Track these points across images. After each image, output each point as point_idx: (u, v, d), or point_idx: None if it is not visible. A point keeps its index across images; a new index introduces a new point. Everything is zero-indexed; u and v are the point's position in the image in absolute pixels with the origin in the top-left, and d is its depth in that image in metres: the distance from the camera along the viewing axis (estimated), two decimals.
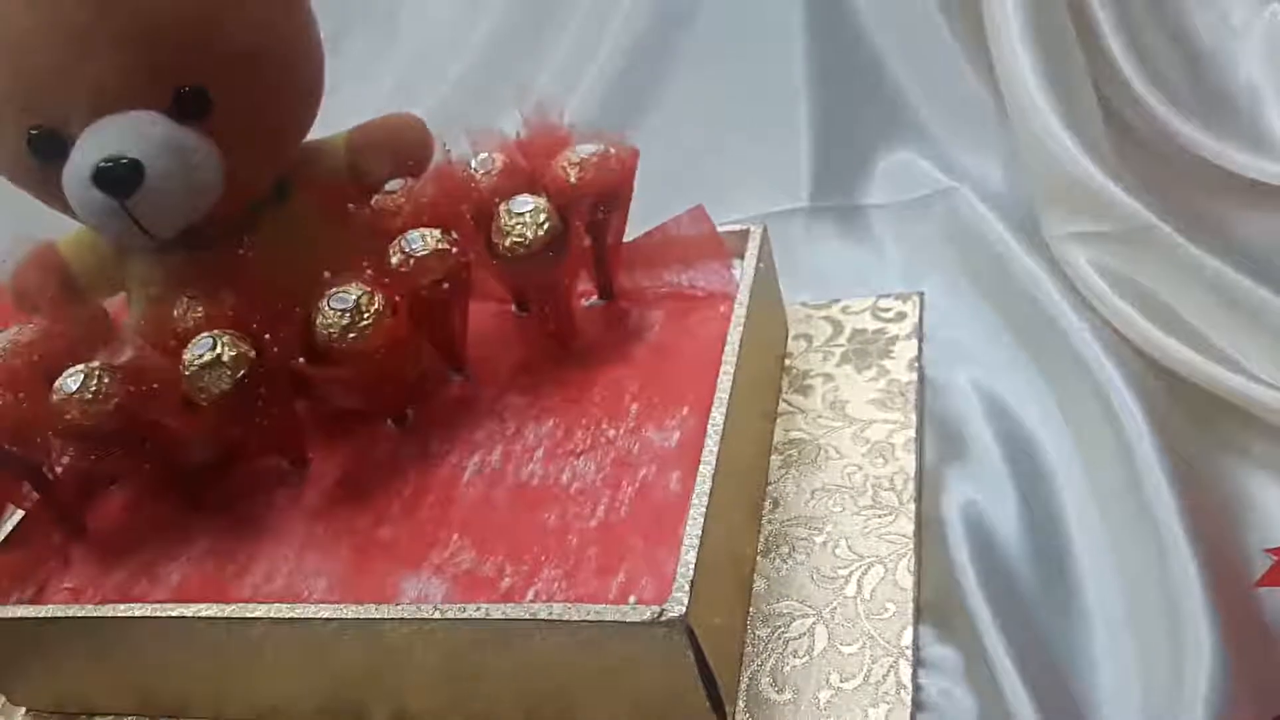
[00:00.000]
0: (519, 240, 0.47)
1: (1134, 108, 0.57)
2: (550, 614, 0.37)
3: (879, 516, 0.46)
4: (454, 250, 0.48)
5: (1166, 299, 0.50)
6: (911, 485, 0.46)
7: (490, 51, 0.76)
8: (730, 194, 0.54)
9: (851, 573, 0.44)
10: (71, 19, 0.42)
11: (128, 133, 0.43)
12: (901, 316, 0.56)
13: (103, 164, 0.43)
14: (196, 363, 0.43)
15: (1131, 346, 0.49)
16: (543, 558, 0.42)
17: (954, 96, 0.69)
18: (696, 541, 0.37)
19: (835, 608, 0.43)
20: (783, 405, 0.53)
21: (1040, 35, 0.56)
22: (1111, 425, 0.46)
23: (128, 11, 0.43)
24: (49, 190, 0.46)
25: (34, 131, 0.45)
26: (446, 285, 0.47)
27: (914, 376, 0.52)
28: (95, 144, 0.43)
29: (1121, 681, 0.38)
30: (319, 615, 0.39)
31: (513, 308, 0.56)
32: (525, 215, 0.47)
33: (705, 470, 0.40)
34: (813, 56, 0.70)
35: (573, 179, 0.49)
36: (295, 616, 0.40)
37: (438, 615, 0.38)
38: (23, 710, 0.51)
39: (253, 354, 0.44)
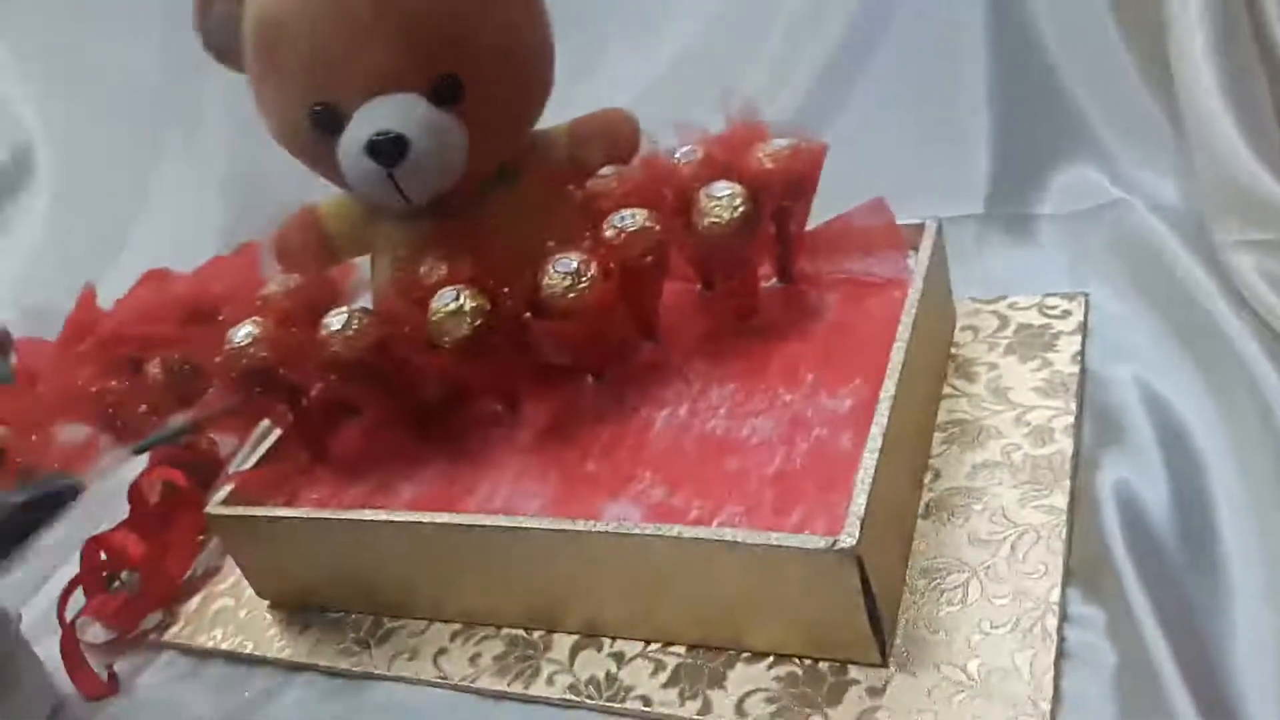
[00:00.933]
0: (716, 220, 0.53)
1: None
2: (735, 537, 0.42)
3: (1035, 490, 0.49)
4: (657, 228, 0.54)
5: None
6: (1068, 465, 0.50)
7: (692, 61, 0.84)
8: (910, 198, 0.58)
9: (1006, 537, 0.48)
10: (357, 13, 0.51)
11: (396, 112, 0.52)
12: (1066, 314, 0.60)
13: (375, 137, 0.51)
14: (442, 310, 0.51)
15: None
16: (725, 496, 0.47)
17: (1130, 114, 0.71)
18: (868, 486, 0.42)
19: (990, 566, 0.47)
20: (947, 389, 0.57)
21: (1223, 49, 0.59)
22: (1265, 420, 0.48)
23: (402, 9, 0.51)
24: (319, 158, 0.55)
25: (317, 108, 0.53)
26: (650, 259, 0.54)
27: (1076, 369, 0.55)
28: (369, 120, 0.52)
29: (1258, 650, 0.41)
30: (538, 526, 0.46)
31: (698, 286, 0.62)
32: (723, 199, 0.53)
33: (876, 430, 0.45)
34: (994, 73, 0.74)
35: (766, 166, 0.54)
36: (516, 526, 0.47)
37: (638, 532, 0.44)
38: (266, 603, 0.59)
39: (488, 306, 0.51)
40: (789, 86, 0.82)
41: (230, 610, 0.60)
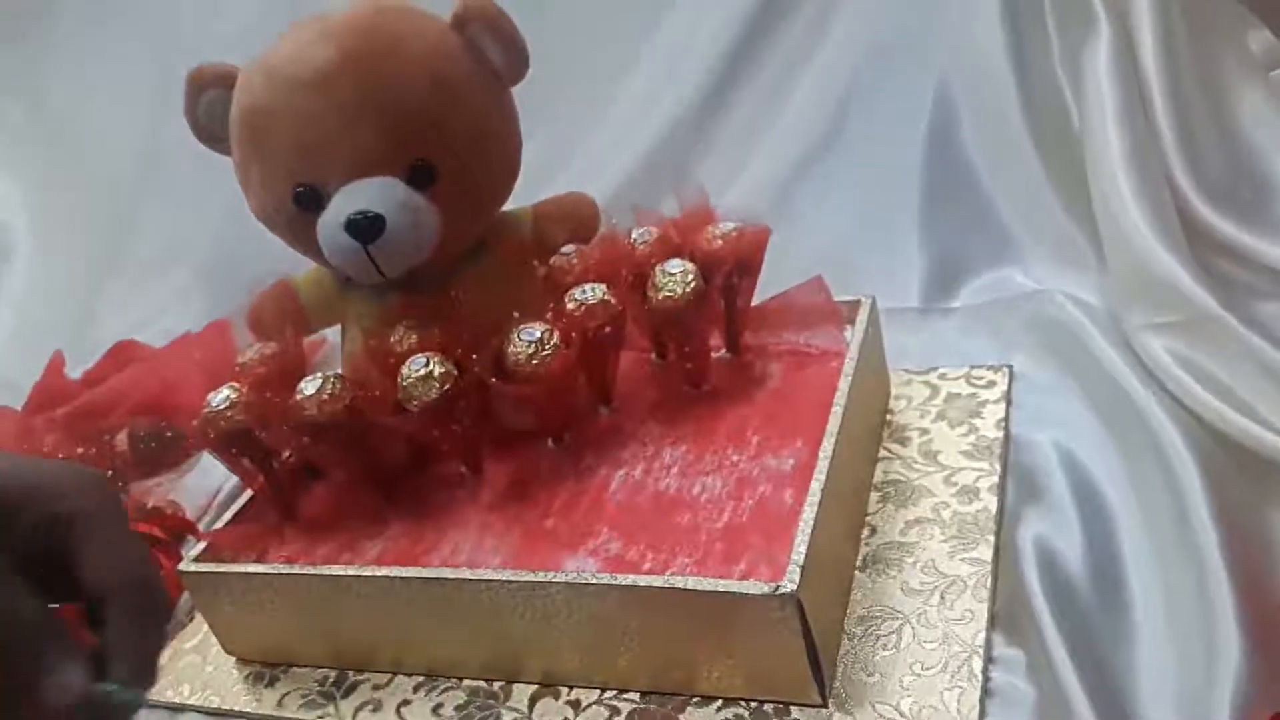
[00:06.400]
0: (670, 295, 0.57)
1: (1204, 227, 0.67)
2: (686, 585, 0.46)
3: (963, 544, 0.54)
4: (614, 302, 0.58)
5: (1222, 375, 0.57)
6: (993, 521, 0.54)
7: (651, 155, 0.91)
8: (851, 289, 0.64)
9: (936, 587, 0.52)
10: (342, 104, 0.55)
11: (374, 193, 0.56)
12: (992, 384, 0.65)
13: (354, 216, 0.55)
14: (413, 375, 0.54)
15: (1190, 413, 0.56)
16: (677, 549, 0.51)
17: (1047, 226, 0.77)
18: (808, 537, 0.46)
19: (922, 613, 0.50)
20: (882, 451, 0.62)
21: (1134, 159, 0.67)
22: (1168, 480, 0.53)
23: (383, 100, 0.56)
24: (299, 234, 0.59)
25: (300, 189, 0.57)
26: (608, 330, 0.58)
27: (1000, 434, 0.60)
28: (349, 200, 0.56)
29: (1161, 682, 0.45)
30: (500, 578, 0.49)
31: (652, 356, 0.66)
32: (676, 275, 0.57)
33: (816, 486, 0.49)
34: (928, 187, 0.81)
35: (714, 247, 0.59)
36: (480, 578, 0.50)
37: (595, 582, 0.47)
38: (233, 660, 0.61)
39: (456, 372, 0.55)
40: (734, 192, 0.89)
41: (197, 666, 0.62)
